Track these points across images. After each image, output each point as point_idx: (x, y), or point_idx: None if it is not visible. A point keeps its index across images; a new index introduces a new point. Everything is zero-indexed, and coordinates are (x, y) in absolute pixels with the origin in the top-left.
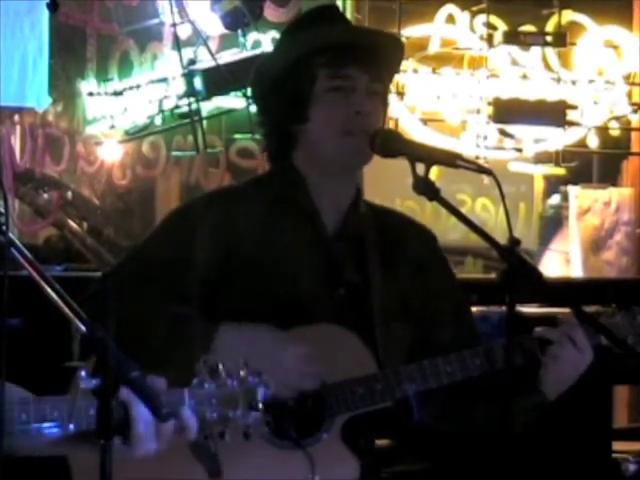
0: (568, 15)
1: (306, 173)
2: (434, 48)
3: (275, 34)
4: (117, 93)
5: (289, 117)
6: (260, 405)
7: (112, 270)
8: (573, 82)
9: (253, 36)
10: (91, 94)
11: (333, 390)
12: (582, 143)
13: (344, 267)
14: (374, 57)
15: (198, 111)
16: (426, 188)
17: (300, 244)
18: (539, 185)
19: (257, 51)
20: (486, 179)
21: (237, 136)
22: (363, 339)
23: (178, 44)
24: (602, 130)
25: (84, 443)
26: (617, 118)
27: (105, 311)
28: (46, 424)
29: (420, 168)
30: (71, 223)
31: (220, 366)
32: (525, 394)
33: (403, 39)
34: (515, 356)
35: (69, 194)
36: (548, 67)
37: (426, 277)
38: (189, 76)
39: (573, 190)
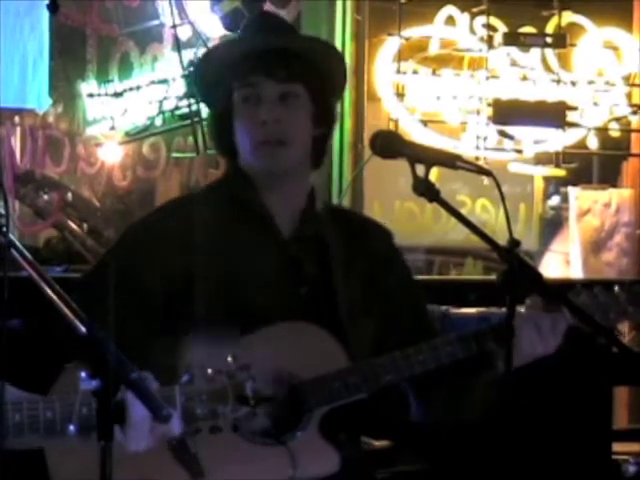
0: (568, 16)
1: (253, 178)
2: (434, 49)
3: None
4: (117, 94)
5: (222, 130)
6: (251, 401)
7: (81, 280)
8: (573, 83)
9: None
10: (91, 95)
11: (308, 386)
12: (582, 144)
13: (303, 265)
14: (283, 60)
15: (198, 112)
16: (426, 189)
17: (258, 246)
18: (539, 186)
19: None
20: (486, 180)
21: None
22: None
23: (178, 45)
24: (602, 131)
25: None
26: (617, 119)
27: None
28: (40, 424)
29: (420, 169)
30: (71, 224)
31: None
32: (481, 371)
33: (339, 48)
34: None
35: (69, 195)
36: (548, 68)
37: (385, 273)
38: (189, 77)
39: (573, 191)
